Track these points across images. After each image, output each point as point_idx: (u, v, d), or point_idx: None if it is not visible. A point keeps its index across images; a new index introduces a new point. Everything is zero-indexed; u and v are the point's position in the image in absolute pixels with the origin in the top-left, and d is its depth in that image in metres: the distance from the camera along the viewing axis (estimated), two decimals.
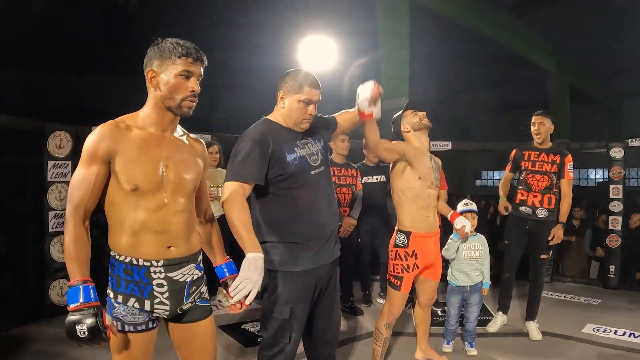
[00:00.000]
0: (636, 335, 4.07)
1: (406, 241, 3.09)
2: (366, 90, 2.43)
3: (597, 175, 15.47)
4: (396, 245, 3.13)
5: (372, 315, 4.60)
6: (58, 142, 4.64)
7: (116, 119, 1.80)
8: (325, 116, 2.61)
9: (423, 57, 8.36)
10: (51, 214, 4.60)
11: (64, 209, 4.56)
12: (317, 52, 6.06)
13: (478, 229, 3.74)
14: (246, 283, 1.89)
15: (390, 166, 3.20)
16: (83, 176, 1.72)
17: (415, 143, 3.17)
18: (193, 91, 1.80)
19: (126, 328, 1.78)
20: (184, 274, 1.85)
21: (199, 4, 8.32)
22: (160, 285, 1.79)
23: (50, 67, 9.10)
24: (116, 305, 1.79)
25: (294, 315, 2.28)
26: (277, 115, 2.36)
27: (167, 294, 1.80)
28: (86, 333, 1.57)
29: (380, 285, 5.20)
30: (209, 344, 1.98)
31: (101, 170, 1.73)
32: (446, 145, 6.08)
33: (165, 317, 1.86)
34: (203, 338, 1.95)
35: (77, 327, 1.57)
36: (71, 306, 1.60)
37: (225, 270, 2.10)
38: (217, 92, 12.20)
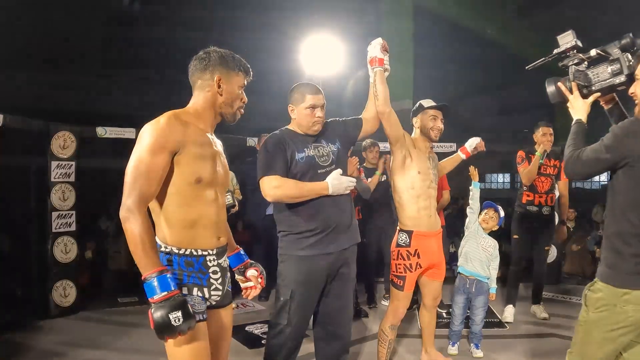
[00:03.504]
0: None
1: (408, 240, 3.07)
2: (376, 41, 2.75)
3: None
4: (398, 245, 3.11)
5: (377, 317, 4.58)
6: (62, 142, 4.64)
7: (174, 112, 1.84)
8: (349, 118, 2.90)
9: (427, 60, 8.35)
10: (54, 214, 4.59)
11: (68, 210, 4.64)
12: (322, 55, 6.04)
13: None
14: None
15: (391, 161, 3.19)
16: (150, 166, 1.71)
17: (416, 143, 3.18)
18: (244, 102, 2.04)
19: (196, 318, 1.73)
20: (225, 261, 1.99)
21: (203, 5, 8.33)
22: (215, 272, 1.89)
23: (54, 67, 9.12)
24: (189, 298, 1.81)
25: (293, 297, 2.58)
26: (293, 125, 2.73)
27: (220, 280, 1.91)
28: (181, 320, 1.58)
29: (385, 287, 5.17)
30: (230, 326, 2.07)
31: (168, 161, 1.75)
32: (451, 147, 6.06)
33: (215, 302, 1.92)
34: (228, 321, 2.04)
35: (171, 315, 1.57)
36: (156, 297, 1.60)
37: (242, 254, 2.24)
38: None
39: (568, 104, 2.17)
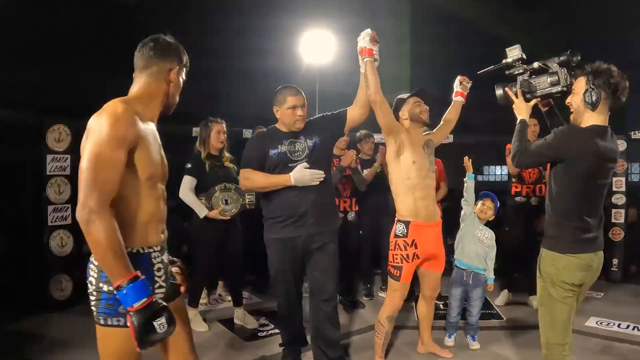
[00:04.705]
0: None
1: (405, 231, 3.06)
2: (365, 32, 2.85)
3: None
4: (396, 236, 3.11)
5: (374, 309, 4.57)
6: (57, 135, 4.61)
7: (126, 101, 1.70)
8: (334, 112, 3.12)
9: (425, 53, 8.31)
10: (50, 207, 4.57)
11: (63, 203, 4.61)
12: (319, 48, 6.00)
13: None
14: None
15: (386, 152, 3.18)
16: (111, 161, 1.57)
17: (410, 133, 3.17)
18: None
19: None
20: (167, 256, 1.89)
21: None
22: (159, 270, 1.80)
23: (49, 61, 9.04)
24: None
25: (277, 274, 3.09)
26: (280, 123, 3.06)
27: (163, 277, 1.81)
28: (165, 326, 1.53)
29: (382, 279, 5.17)
30: (186, 316, 2.02)
31: (126, 157, 1.61)
32: (447, 138, 6.03)
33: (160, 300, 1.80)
34: (182, 311, 1.98)
35: (155, 323, 1.51)
36: (136, 305, 1.51)
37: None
38: (218, 86, 12.16)
39: (513, 106, 2.61)
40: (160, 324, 1.51)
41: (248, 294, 5.13)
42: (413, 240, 3.05)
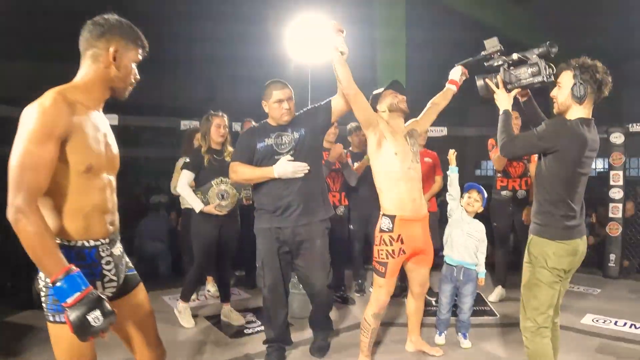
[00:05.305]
0: (637, 326, 3.94)
1: (391, 225, 2.94)
2: (330, 24, 2.84)
3: (597, 164, 15.25)
4: (381, 230, 2.98)
5: (364, 305, 4.38)
6: None
7: (59, 91, 1.64)
8: (322, 103, 3.15)
9: (420, 44, 8.19)
10: None
11: None
12: (308, 40, 5.86)
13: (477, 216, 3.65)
14: None
15: (368, 146, 3.07)
16: (38, 157, 1.53)
17: (390, 124, 3.04)
18: (137, 80, 1.87)
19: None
20: (118, 248, 1.86)
21: None
22: (108, 263, 1.77)
23: (42, 56, 8.97)
24: None
25: (263, 264, 3.16)
26: (270, 117, 3.15)
27: (114, 270, 1.79)
28: (101, 319, 1.50)
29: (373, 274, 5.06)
30: (149, 307, 2.00)
31: (56, 150, 1.57)
32: (442, 131, 5.92)
33: (111, 294, 1.81)
34: (144, 303, 1.98)
35: (89, 316, 1.48)
36: (70, 300, 1.49)
37: None
38: (214, 81, 12.06)
39: (495, 96, 2.67)
40: (94, 317, 1.49)
41: (237, 290, 5.04)
42: (399, 235, 2.92)
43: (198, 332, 3.92)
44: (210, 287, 4.92)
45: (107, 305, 1.54)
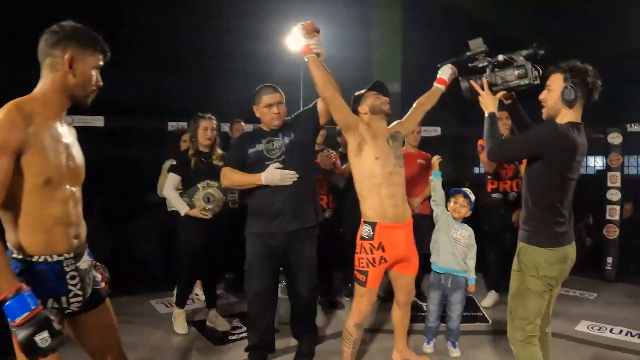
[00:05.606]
0: (633, 334, 3.82)
1: (371, 232, 2.82)
2: (295, 29, 2.82)
3: (596, 163, 15.08)
4: (362, 238, 2.87)
5: None
6: None
7: (16, 103, 1.60)
8: (310, 105, 3.12)
9: (416, 43, 8.10)
10: None
11: None
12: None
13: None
14: None
15: (348, 150, 2.98)
16: None
17: (371, 127, 2.92)
18: (99, 86, 1.82)
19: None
20: (84, 262, 1.82)
21: None
22: (73, 278, 1.74)
23: (22, 55, 8.85)
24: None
25: (249, 268, 3.14)
26: (262, 122, 3.13)
27: (79, 285, 1.76)
28: (49, 340, 1.47)
29: None
30: (114, 323, 1.98)
31: (11, 164, 1.54)
32: (435, 131, 5.80)
33: (77, 309, 1.79)
34: (109, 319, 1.96)
35: (37, 338, 1.45)
36: (18, 319, 1.46)
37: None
38: (211, 79, 11.96)
39: (480, 99, 2.56)
40: (42, 338, 1.46)
41: (226, 293, 4.97)
42: (380, 243, 2.80)
43: (182, 339, 3.83)
44: (199, 290, 4.82)
45: (56, 326, 1.50)
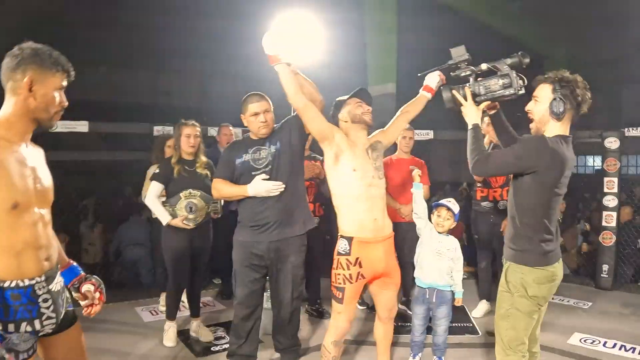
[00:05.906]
0: (627, 348, 3.69)
1: (348, 248, 2.70)
2: (263, 40, 2.68)
3: (595, 162, 14.85)
4: (338, 253, 2.75)
5: None
6: None
7: None
8: (295, 113, 3.04)
9: (411, 45, 7.98)
10: None
11: None
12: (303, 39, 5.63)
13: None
14: None
15: (325, 161, 2.87)
16: None
17: (350, 137, 2.79)
18: (63, 106, 1.80)
19: (20, 357, 1.65)
20: (57, 283, 1.81)
21: None
22: (45, 300, 1.73)
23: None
24: (7, 335, 1.65)
25: (236, 275, 3.16)
26: (250, 131, 3.14)
27: (52, 307, 1.75)
28: None
29: None
30: (83, 345, 1.97)
31: None
32: (427, 134, 5.68)
33: (51, 331, 1.78)
34: (79, 341, 1.94)
35: None
36: None
37: (75, 267, 2.05)
38: (207, 81, 11.88)
39: (462, 109, 2.48)
40: None
41: (213, 301, 4.90)
42: (357, 259, 2.68)
43: (162, 350, 3.74)
44: (184, 297, 4.72)
45: None
